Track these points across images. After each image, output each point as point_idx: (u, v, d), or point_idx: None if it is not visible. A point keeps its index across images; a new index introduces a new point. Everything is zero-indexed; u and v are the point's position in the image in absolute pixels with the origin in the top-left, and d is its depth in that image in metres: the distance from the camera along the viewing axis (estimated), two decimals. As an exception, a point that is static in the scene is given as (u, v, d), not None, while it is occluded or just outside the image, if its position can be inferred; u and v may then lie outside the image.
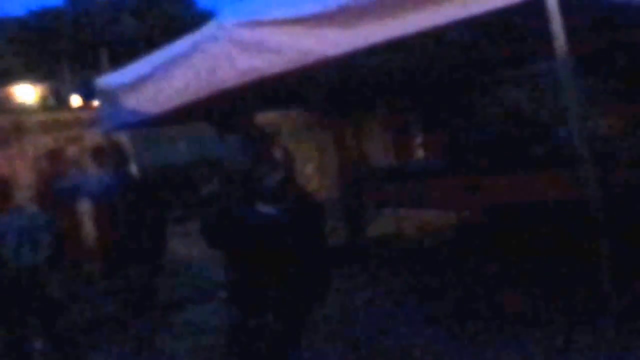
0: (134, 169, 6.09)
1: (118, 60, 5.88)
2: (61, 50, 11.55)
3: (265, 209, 2.80)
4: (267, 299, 2.77)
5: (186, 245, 6.55)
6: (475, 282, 4.85)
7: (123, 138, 7.12)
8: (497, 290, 4.58)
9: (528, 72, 5.29)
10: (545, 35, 2.57)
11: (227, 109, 4.63)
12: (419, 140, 6.96)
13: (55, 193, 6.17)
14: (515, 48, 4.58)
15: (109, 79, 4.20)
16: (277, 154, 7.60)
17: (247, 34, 3.28)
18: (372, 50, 3.01)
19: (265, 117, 8.42)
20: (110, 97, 4.10)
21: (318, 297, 2.94)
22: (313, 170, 8.44)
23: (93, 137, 5.91)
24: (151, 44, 5.32)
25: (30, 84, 11.32)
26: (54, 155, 6.72)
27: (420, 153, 6.93)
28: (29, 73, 11.63)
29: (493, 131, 5.81)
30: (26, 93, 11.30)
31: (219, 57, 3.36)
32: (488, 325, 3.92)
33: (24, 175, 7.35)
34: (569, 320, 3.50)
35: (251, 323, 2.75)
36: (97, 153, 4.84)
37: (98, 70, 7.37)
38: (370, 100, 6.58)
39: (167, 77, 3.63)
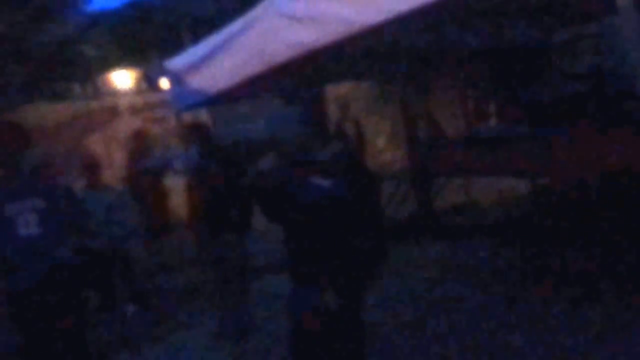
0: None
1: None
2: (151, 36, 12.23)
3: (319, 181, 2.81)
4: (324, 272, 2.74)
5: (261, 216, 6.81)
6: (554, 256, 4.66)
7: (203, 116, 7.49)
8: (579, 262, 4.38)
9: (602, 28, 4.91)
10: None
11: (292, 83, 4.74)
12: (492, 106, 6.69)
13: (143, 170, 6.67)
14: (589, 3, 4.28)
15: (175, 61, 4.45)
16: (348, 126, 7.66)
17: (293, 7, 3.34)
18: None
19: (337, 90, 8.47)
20: (177, 78, 4.34)
21: (373, 270, 2.90)
22: (385, 142, 8.37)
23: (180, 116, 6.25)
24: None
25: (126, 69, 12.11)
26: (140, 135, 7.21)
27: (493, 120, 6.67)
28: (125, 59, 12.40)
29: (573, 91, 5.45)
30: (122, 78, 12.09)
31: (268, 32, 3.45)
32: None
33: (118, 154, 7.98)
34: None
35: (313, 298, 2.73)
36: (190, 130, 5.13)
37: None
38: (441, 68, 6.43)
39: (223, 56, 3.79)
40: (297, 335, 2.86)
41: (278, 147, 3.34)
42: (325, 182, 2.79)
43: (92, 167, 5.20)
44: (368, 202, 2.88)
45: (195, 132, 4.99)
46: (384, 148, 8.36)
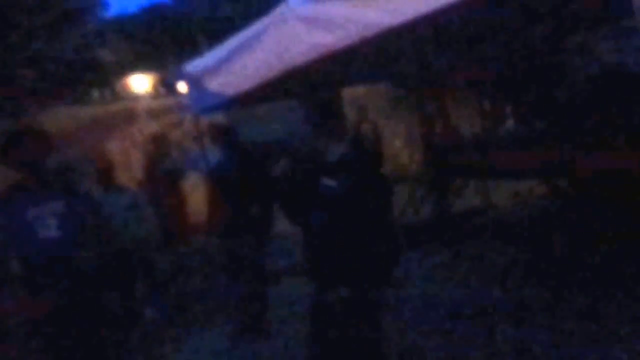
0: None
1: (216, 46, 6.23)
2: (167, 41, 12.40)
3: (328, 182, 2.79)
4: (340, 272, 2.75)
5: (281, 218, 6.83)
6: (572, 258, 4.60)
7: (220, 119, 7.52)
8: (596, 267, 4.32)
9: (623, 26, 4.84)
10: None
11: (311, 86, 4.74)
12: (508, 108, 6.63)
13: (161, 173, 6.71)
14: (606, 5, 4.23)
15: (193, 64, 4.48)
16: (366, 128, 7.62)
17: (312, 10, 3.36)
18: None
19: (353, 92, 8.46)
20: (195, 81, 4.37)
21: (387, 270, 2.86)
22: (401, 144, 8.34)
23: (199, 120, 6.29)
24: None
25: (143, 74, 12.28)
26: (158, 139, 7.27)
27: (510, 122, 6.61)
28: (142, 64, 12.58)
29: (591, 92, 5.39)
30: (140, 82, 12.26)
31: (287, 35, 3.46)
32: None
33: (136, 157, 8.06)
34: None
35: (329, 297, 2.75)
36: (215, 132, 5.15)
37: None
38: (457, 69, 6.39)
39: (241, 59, 3.81)
40: (315, 336, 2.87)
41: (291, 151, 3.33)
42: (334, 183, 2.78)
43: (106, 169, 5.21)
44: (380, 203, 2.84)
45: (221, 134, 5.01)
46: (401, 150, 8.33)
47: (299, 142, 3.15)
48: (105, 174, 5.12)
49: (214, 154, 4.95)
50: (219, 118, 6.76)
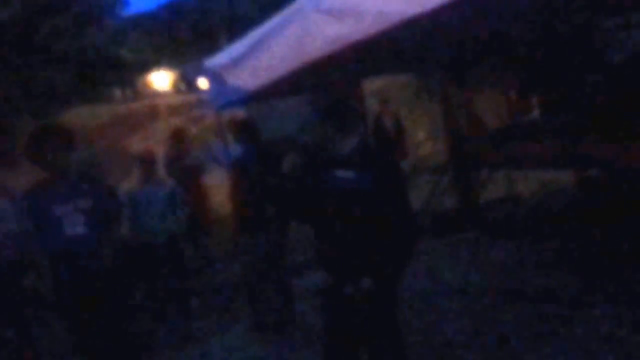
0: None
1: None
2: (187, 37, 12.46)
3: (343, 173, 2.79)
4: (357, 265, 2.74)
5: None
6: (601, 249, 4.52)
7: (241, 114, 7.54)
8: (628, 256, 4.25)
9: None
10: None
11: (331, 79, 4.69)
12: (534, 98, 6.50)
13: (183, 168, 6.76)
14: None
15: (214, 60, 4.45)
16: (388, 120, 7.56)
17: (331, 2, 3.31)
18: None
19: (374, 84, 8.40)
20: (216, 76, 4.35)
21: (403, 261, 2.82)
22: (424, 135, 8.26)
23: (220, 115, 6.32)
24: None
25: (164, 71, 12.38)
26: (179, 134, 7.31)
27: (535, 112, 6.48)
28: (162, 61, 12.67)
29: (622, 80, 5.24)
30: (161, 79, 12.36)
31: (306, 28, 3.41)
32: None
33: (158, 153, 8.12)
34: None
35: (347, 290, 2.74)
36: (238, 127, 5.20)
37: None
38: (481, 60, 6.27)
39: (262, 53, 3.78)
40: (331, 326, 2.88)
41: (301, 145, 3.32)
42: (350, 175, 2.77)
43: (147, 162, 5.30)
44: (395, 194, 2.81)
45: (243, 129, 5.05)
46: (424, 141, 8.25)
47: (309, 136, 3.12)
48: (145, 167, 5.22)
49: (235, 149, 4.98)
50: (240, 113, 6.79)
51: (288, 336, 4.62)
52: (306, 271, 5.82)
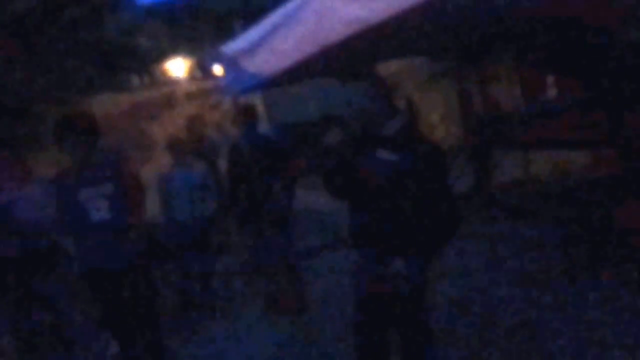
0: (264, 128, 6.50)
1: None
2: (203, 25, 12.50)
3: (385, 155, 2.81)
4: (393, 245, 2.75)
5: (314, 195, 6.94)
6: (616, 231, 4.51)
7: (257, 99, 7.62)
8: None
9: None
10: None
11: (347, 62, 4.72)
12: (550, 79, 6.44)
13: (195, 155, 6.87)
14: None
15: (230, 46, 4.51)
16: (400, 104, 7.55)
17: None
18: None
19: (388, 68, 8.36)
20: (232, 62, 4.41)
21: (442, 241, 2.86)
22: (438, 119, 8.25)
23: (237, 101, 6.39)
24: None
25: (180, 58, 12.45)
26: (196, 121, 7.41)
27: (552, 91, 6.43)
28: (179, 49, 12.74)
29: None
30: (178, 67, 12.45)
31: (321, 11, 3.44)
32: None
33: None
34: None
35: (379, 270, 2.77)
36: (238, 113, 5.34)
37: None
38: (497, 41, 6.22)
39: (278, 38, 3.83)
40: (361, 305, 2.91)
41: (340, 125, 3.34)
42: (392, 156, 2.79)
43: (177, 146, 5.42)
44: (436, 175, 2.81)
45: (242, 115, 5.18)
46: (438, 124, 8.25)
47: (350, 116, 3.13)
48: (179, 152, 5.35)
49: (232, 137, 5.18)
50: (253, 99, 6.87)
51: (304, 319, 4.70)
52: (322, 253, 5.93)
